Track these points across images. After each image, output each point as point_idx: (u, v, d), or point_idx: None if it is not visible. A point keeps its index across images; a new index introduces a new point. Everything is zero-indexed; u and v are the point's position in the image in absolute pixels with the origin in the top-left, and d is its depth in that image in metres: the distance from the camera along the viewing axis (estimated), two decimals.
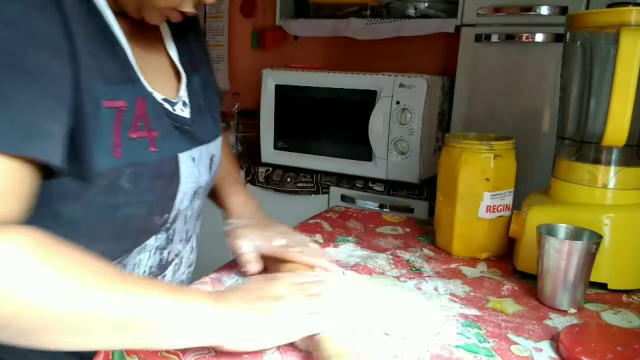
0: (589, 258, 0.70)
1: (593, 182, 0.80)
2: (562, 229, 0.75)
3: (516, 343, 0.61)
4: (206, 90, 0.76)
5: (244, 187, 0.85)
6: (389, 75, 1.59)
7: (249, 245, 0.71)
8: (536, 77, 1.50)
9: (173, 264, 0.75)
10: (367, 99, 1.62)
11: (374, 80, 1.61)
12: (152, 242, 0.69)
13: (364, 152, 1.65)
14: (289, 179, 1.81)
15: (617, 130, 0.74)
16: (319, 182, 1.76)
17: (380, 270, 0.81)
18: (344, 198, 1.72)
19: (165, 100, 0.66)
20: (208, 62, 0.81)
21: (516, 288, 0.78)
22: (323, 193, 1.76)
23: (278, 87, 1.78)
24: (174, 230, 0.71)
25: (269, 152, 1.85)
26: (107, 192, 0.58)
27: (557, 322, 0.67)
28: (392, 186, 1.65)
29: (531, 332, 0.64)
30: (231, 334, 0.54)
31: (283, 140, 1.81)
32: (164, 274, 0.74)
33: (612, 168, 0.80)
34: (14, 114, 0.46)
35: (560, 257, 0.69)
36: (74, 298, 0.45)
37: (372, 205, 1.65)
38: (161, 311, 0.49)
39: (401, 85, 1.56)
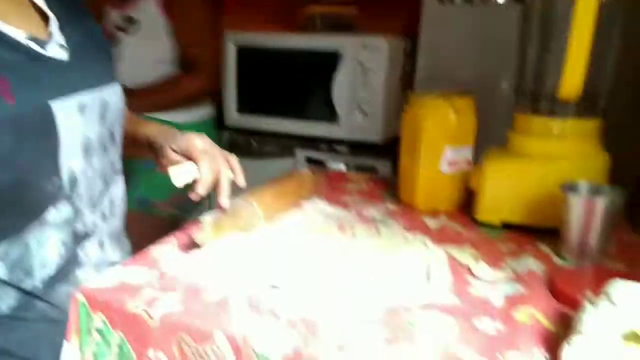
0: (612, 214, 0.69)
1: (548, 134, 0.83)
2: (584, 186, 0.75)
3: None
4: (91, 38, 0.70)
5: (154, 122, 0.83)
6: (352, 37, 1.59)
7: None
8: (498, 36, 1.52)
9: (90, 238, 0.67)
10: (330, 61, 1.62)
11: (337, 41, 1.61)
12: (54, 215, 0.60)
13: (328, 114, 1.65)
14: (254, 144, 1.80)
15: (572, 84, 0.77)
16: (284, 145, 1.77)
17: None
18: (309, 160, 1.73)
19: (31, 39, 0.58)
20: (89, 16, 0.74)
21: (475, 237, 0.81)
22: (289, 156, 1.76)
23: (240, 50, 1.75)
24: (78, 196, 0.63)
25: (233, 116, 1.83)
26: None
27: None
28: (356, 147, 1.67)
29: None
30: None
31: (246, 104, 1.80)
32: (82, 247, 0.65)
33: (566, 120, 0.83)
34: None
35: (583, 214, 0.70)
36: None
37: (337, 166, 1.67)
38: None
39: (364, 46, 1.56)
